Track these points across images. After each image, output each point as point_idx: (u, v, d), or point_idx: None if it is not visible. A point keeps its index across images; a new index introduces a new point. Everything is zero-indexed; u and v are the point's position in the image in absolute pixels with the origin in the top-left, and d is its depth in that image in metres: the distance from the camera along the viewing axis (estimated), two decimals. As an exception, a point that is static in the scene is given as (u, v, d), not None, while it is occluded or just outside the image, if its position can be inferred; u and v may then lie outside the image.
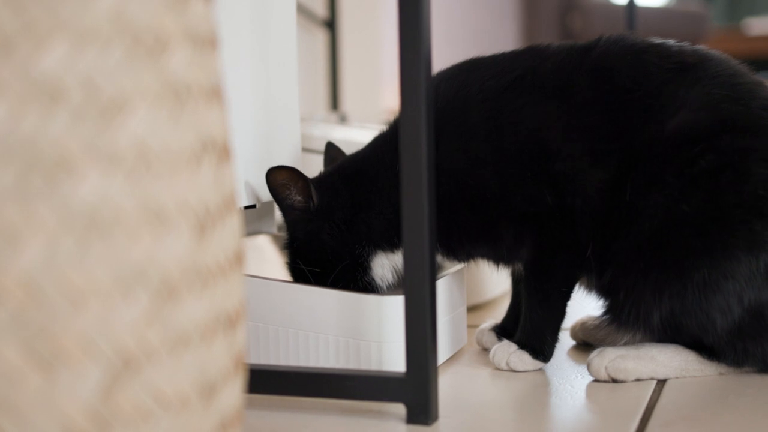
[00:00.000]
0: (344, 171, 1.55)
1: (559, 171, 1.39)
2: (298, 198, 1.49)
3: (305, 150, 1.76)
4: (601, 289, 1.45)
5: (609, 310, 1.43)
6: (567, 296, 1.45)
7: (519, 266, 1.52)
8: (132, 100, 0.73)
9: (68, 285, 0.69)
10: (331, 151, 1.66)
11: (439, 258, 1.51)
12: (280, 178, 1.47)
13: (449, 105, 1.46)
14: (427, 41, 1.17)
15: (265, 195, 1.57)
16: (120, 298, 0.72)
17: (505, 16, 5.21)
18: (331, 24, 3.20)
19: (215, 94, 0.86)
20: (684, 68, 1.41)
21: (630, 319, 1.38)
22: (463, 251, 1.50)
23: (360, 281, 1.49)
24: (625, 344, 1.43)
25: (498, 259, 1.51)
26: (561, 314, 1.45)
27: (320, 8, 3.19)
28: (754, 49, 6.65)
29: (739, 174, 1.34)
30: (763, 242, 1.32)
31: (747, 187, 1.33)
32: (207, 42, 0.85)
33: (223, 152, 0.86)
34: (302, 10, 2.82)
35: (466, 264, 1.57)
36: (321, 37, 3.22)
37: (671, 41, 1.47)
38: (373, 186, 1.49)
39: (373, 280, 1.49)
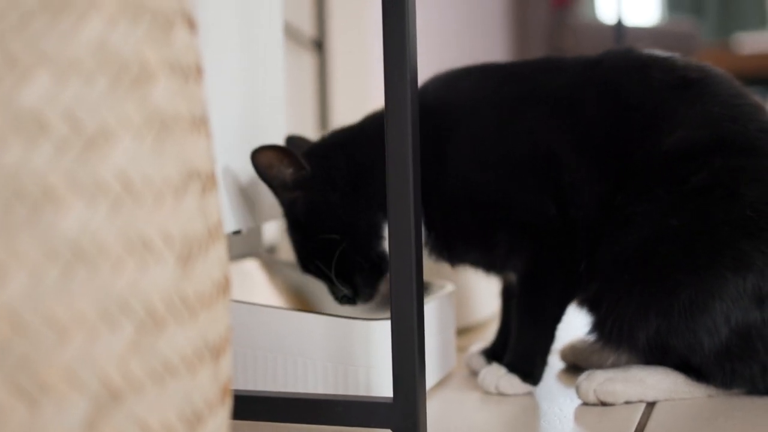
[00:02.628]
0: (335, 139, 1.55)
1: (567, 182, 1.41)
2: (289, 171, 1.46)
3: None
4: (586, 302, 1.46)
5: (594, 326, 1.43)
6: (558, 318, 1.45)
7: (508, 278, 1.53)
8: (115, 131, 0.73)
9: (52, 317, 0.69)
10: (296, 141, 1.64)
11: (428, 258, 1.51)
12: (265, 160, 1.45)
13: (464, 103, 1.47)
14: (413, 63, 1.17)
15: (252, 220, 1.57)
16: (104, 329, 0.72)
17: (495, 36, 5.23)
18: (319, 45, 3.20)
19: (200, 123, 0.86)
20: (686, 84, 1.42)
21: (613, 334, 1.38)
22: (455, 252, 1.50)
23: (374, 250, 1.48)
24: (613, 366, 1.43)
25: (488, 266, 1.51)
26: (551, 337, 1.45)
27: (308, 29, 3.20)
28: (744, 67, 6.68)
29: (729, 193, 1.35)
30: (751, 263, 1.33)
31: (736, 206, 1.34)
32: (191, 72, 0.85)
33: (207, 181, 0.86)
34: (290, 31, 2.82)
35: (454, 268, 1.56)
36: (309, 58, 3.22)
37: (677, 56, 1.47)
38: (372, 154, 1.47)
39: (385, 251, 1.47)
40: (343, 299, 1.51)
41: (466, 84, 1.51)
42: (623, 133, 1.42)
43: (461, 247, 1.49)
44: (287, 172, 1.46)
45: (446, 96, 1.47)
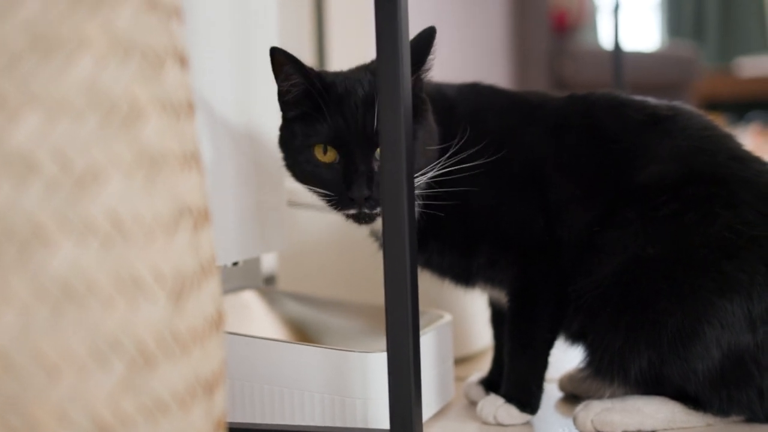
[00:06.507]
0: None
1: (552, 201, 1.43)
2: None
3: (291, 204, 1.76)
4: (572, 337, 1.46)
5: (584, 361, 1.43)
6: (550, 343, 1.45)
7: (495, 300, 1.56)
8: (105, 170, 0.74)
9: (42, 356, 0.69)
10: None
11: None
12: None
13: (474, 114, 1.48)
14: (406, 93, 1.18)
15: (250, 251, 1.57)
16: (95, 367, 0.72)
17: (496, 62, 5.24)
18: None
19: (192, 159, 0.86)
20: (656, 121, 1.46)
21: (603, 368, 1.38)
22: (428, 251, 1.49)
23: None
24: (611, 396, 1.43)
25: (461, 273, 1.50)
26: (544, 363, 1.45)
27: (308, 54, 3.20)
28: (745, 91, 6.68)
29: (703, 217, 1.36)
30: (735, 284, 1.33)
31: (712, 229, 1.35)
32: (183, 108, 0.85)
33: (200, 217, 0.86)
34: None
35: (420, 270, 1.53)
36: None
37: (651, 98, 1.50)
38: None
39: None
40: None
41: (476, 97, 1.53)
42: (602, 164, 1.45)
43: (440, 246, 1.48)
44: None
45: (460, 101, 1.49)
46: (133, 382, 0.75)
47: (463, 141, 1.42)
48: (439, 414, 1.53)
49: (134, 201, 0.76)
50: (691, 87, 5.55)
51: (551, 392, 1.57)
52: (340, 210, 1.36)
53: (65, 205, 0.71)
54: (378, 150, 1.33)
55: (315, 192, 1.39)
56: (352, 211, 1.35)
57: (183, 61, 0.87)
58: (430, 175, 1.38)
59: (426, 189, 1.39)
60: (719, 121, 1.53)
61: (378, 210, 1.33)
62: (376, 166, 1.33)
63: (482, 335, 1.89)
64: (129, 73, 0.77)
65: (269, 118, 1.59)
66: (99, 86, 0.74)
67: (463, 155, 1.41)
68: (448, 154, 1.39)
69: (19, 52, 0.70)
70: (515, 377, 1.45)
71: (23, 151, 0.69)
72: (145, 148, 0.78)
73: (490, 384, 1.56)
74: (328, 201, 1.37)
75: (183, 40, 0.88)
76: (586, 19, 5.69)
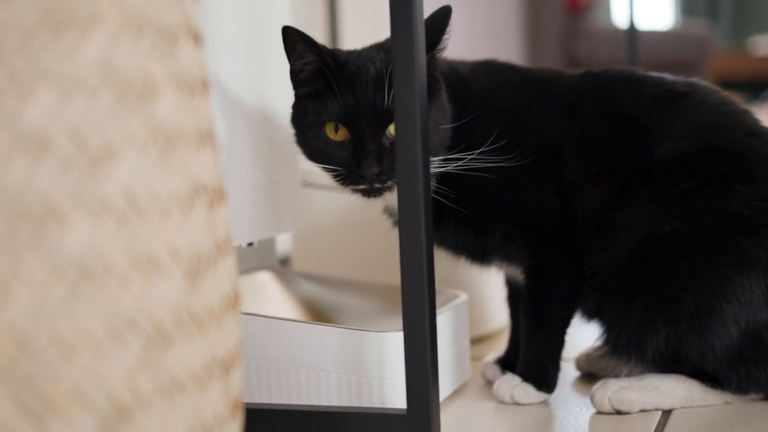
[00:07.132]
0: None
1: (567, 179, 1.42)
2: None
3: (305, 184, 1.75)
4: (588, 314, 1.45)
5: (601, 339, 1.42)
6: (566, 321, 1.44)
7: (511, 278, 1.56)
8: (120, 147, 0.73)
9: (58, 335, 0.69)
10: None
11: None
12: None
13: (488, 92, 1.49)
14: (421, 71, 1.17)
15: (266, 232, 1.57)
16: (111, 346, 0.72)
17: (510, 42, 5.22)
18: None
19: (207, 137, 0.86)
20: (673, 97, 1.45)
21: (620, 346, 1.38)
22: (443, 229, 1.48)
23: None
24: (628, 374, 1.42)
25: (476, 251, 1.49)
26: (560, 342, 1.45)
27: (321, 33, 3.19)
28: (760, 70, 6.65)
29: (720, 193, 1.36)
30: (753, 261, 1.32)
31: (730, 205, 1.35)
32: (197, 85, 0.85)
33: (215, 195, 0.86)
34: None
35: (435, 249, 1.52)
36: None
37: (667, 75, 1.49)
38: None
39: None
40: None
41: (488, 76, 1.52)
42: (618, 141, 1.44)
43: (454, 224, 1.47)
44: None
45: (474, 79, 1.48)
46: (150, 360, 0.75)
47: (476, 119, 1.42)
48: (456, 393, 1.52)
49: (149, 179, 0.75)
50: (705, 66, 5.53)
51: (568, 371, 1.57)
52: (349, 185, 1.37)
53: (80, 183, 0.71)
54: (388, 127, 1.33)
55: (324, 168, 1.39)
56: (361, 187, 1.35)
57: (197, 38, 0.86)
58: (446, 164, 1.38)
59: (440, 167, 1.38)
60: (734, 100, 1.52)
61: (388, 184, 1.34)
62: (386, 143, 1.33)
63: (498, 314, 1.89)
64: (143, 50, 0.77)
65: (283, 97, 1.59)
66: (112, 63, 0.74)
67: (477, 134, 1.40)
68: (458, 150, 1.38)
69: (31, 30, 0.70)
70: (531, 356, 1.44)
71: (37, 129, 0.69)
72: (160, 125, 0.77)
73: (506, 363, 1.56)
74: (337, 176, 1.37)
75: (196, 16, 0.87)
76: (599, -3, 5.67)
